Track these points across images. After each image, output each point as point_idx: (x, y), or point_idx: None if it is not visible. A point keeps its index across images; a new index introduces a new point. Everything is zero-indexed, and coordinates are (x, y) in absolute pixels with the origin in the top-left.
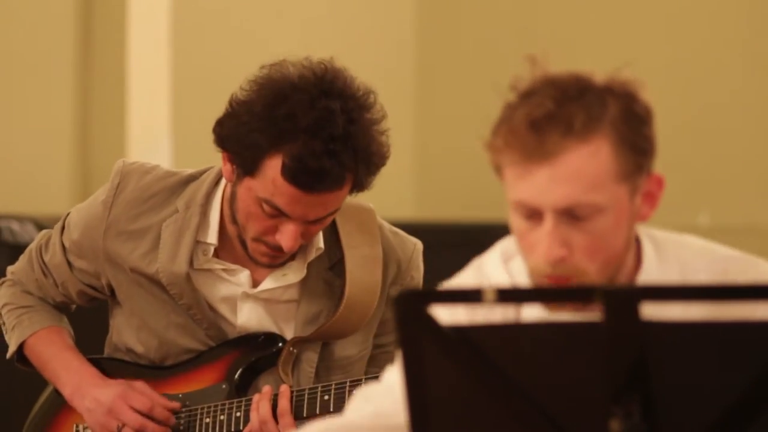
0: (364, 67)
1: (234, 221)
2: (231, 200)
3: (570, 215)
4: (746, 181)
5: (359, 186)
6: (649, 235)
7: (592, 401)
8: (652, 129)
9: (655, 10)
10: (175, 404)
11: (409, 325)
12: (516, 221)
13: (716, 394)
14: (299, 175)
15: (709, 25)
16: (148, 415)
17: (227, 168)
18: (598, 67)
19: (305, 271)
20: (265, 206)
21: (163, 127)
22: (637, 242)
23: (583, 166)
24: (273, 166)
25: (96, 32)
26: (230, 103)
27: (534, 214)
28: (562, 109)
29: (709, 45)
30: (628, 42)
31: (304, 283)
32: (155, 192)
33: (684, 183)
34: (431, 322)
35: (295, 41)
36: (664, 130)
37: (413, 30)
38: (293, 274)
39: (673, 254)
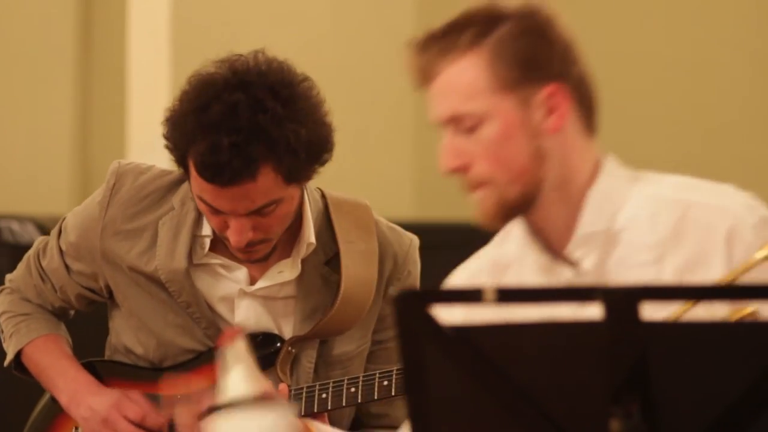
0: (364, 68)
1: None
2: None
3: (459, 127)
4: (748, 181)
5: (294, 175)
6: (632, 172)
7: (592, 401)
8: (552, 48)
9: (656, 10)
10: (160, 419)
11: (409, 325)
12: None
13: (716, 394)
14: (205, 171)
15: (712, 23)
16: (141, 425)
17: None
18: (598, 66)
19: (300, 267)
20: (202, 203)
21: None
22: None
23: (458, 79)
24: (192, 164)
25: (96, 32)
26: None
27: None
28: (444, 33)
29: (712, 44)
30: (629, 42)
31: (300, 280)
32: (151, 191)
33: None
34: (431, 322)
35: (296, 42)
36: (666, 130)
37: (413, 30)
38: (289, 271)
39: (645, 185)
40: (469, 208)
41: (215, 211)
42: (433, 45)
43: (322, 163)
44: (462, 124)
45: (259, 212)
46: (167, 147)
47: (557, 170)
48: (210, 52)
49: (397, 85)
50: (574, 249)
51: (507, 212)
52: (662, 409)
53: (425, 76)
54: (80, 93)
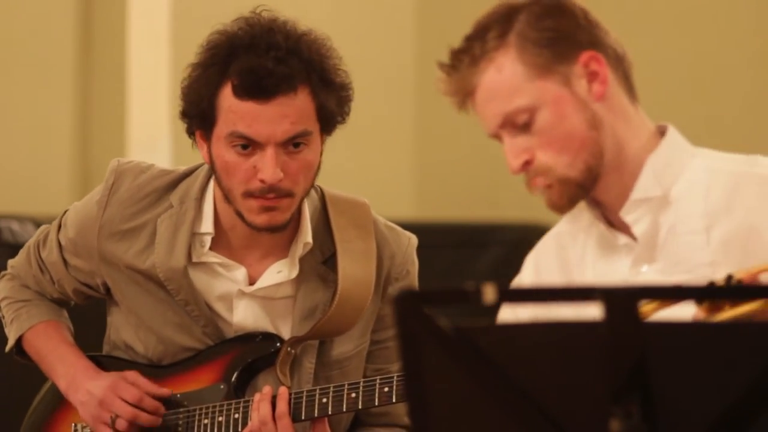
0: (364, 67)
1: (226, 199)
2: (216, 176)
3: (514, 126)
4: None
5: (325, 108)
6: (693, 148)
7: (592, 401)
8: (574, 20)
9: (657, 11)
10: (165, 391)
11: (408, 325)
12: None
13: (716, 394)
14: (247, 84)
15: (712, 23)
16: (138, 406)
17: (202, 150)
18: None
19: (298, 267)
20: (233, 143)
21: (163, 127)
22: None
23: (494, 82)
24: (226, 95)
25: (96, 32)
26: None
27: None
28: (468, 45)
29: (712, 44)
30: (627, 43)
31: (298, 279)
32: (150, 191)
33: None
34: (430, 322)
35: None
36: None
37: (413, 29)
38: (288, 270)
39: (703, 158)
40: (469, 209)
41: (248, 145)
42: (461, 60)
43: (345, 113)
44: (515, 123)
45: (291, 144)
46: (187, 103)
47: (612, 138)
48: None
49: (397, 84)
50: (627, 213)
51: (575, 192)
52: (662, 409)
53: (465, 94)
54: (80, 93)
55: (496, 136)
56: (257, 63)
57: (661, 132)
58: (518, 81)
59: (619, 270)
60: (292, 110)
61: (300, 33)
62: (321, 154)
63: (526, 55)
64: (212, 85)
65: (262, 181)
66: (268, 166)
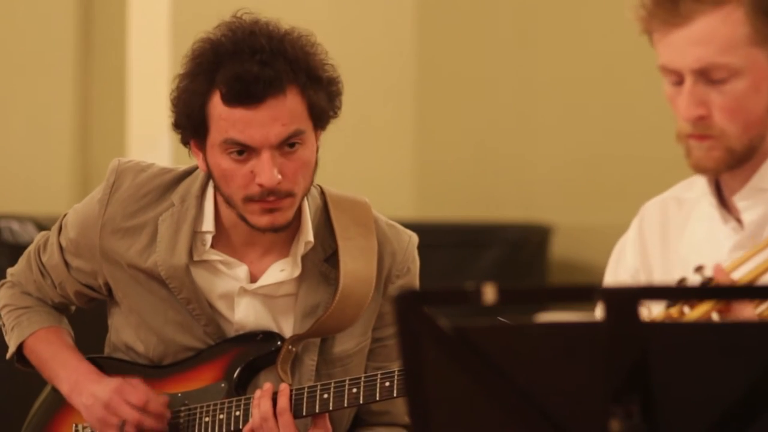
0: (364, 68)
1: (228, 204)
2: (215, 184)
3: (707, 77)
4: None
5: (316, 106)
6: None
7: (592, 401)
8: None
9: None
10: (164, 398)
11: (408, 325)
12: (666, 87)
13: (716, 394)
14: (235, 91)
15: None
16: (144, 409)
17: (198, 158)
18: (597, 67)
19: (300, 266)
20: (228, 150)
21: (163, 127)
22: None
23: (716, 29)
24: (215, 104)
25: (96, 32)
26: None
27: (678, 79)
28: None
29: None
30: (628, 43)
31: (300, 277)
32: (151, 189)
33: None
34: (430, 322)
35: None
36: (667, 134)
37: (413, 30)
38: (290, 269)
39: None
40: (469, 209)
41: (243, 150)
42: None
43: (336, 107)
44: (712, 74)
45: (286, 144)
46: (178, 114)
47: None
48: None
49: (398, 84)
50: (741, 198)
51: (729, 163)
52: (662, 409)
53: (672, 20)
54: (80, 93)
55: (674, 74)
56: (243, 69)
57: None
58: (738, 40)
59: (718, 250)
60: (283, 112)
61: (282, 33)
62: (317, 150)
63: (756, 19)
64: (201, 94)
65: (260, 185)
66: (265, 170)
